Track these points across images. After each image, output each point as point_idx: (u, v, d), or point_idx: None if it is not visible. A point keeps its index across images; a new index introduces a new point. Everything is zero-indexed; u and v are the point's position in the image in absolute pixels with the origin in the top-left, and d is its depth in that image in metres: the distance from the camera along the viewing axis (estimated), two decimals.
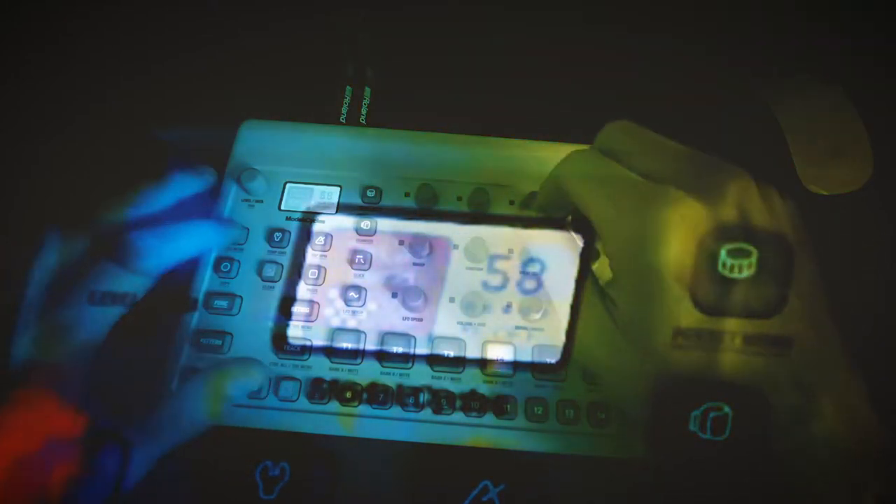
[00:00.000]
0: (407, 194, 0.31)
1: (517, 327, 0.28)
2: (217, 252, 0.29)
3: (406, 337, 0.27)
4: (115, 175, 0.31)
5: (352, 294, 0.28)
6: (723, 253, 0.19)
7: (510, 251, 0.29)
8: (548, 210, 0.29)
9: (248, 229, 0.30)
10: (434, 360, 0.27)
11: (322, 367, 0.27)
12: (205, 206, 0.29)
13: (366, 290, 0.28)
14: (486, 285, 0.29)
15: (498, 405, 0.26)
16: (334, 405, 0.26)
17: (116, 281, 0.24)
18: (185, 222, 0.26)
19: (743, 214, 0.20)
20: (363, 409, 0.26)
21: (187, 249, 0.27)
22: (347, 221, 0.30)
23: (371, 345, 0.27)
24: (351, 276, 0.29)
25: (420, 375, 0.27)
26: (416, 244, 0.29)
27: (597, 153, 0.24)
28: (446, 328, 0.28)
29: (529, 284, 0.29)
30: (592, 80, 0.36)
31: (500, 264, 0.29)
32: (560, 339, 0.28)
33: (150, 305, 0.27)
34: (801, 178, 0.33)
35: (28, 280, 0.24)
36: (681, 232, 0.20)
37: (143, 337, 0.28)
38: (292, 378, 0.26)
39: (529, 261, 0.29)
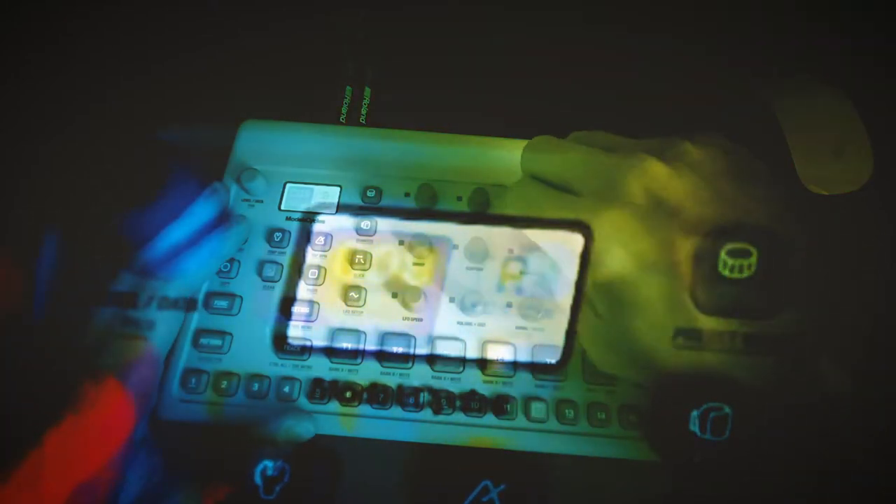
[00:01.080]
0: (407, 194, 0.31)
1: (517, 327, 0.28)
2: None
3: (406, 337, 0.27)
4: (114, 175, 0.31)
5: (352, 294, 0.28)
6: (722, 253, 0.19)
7: (510, 251, 0.29)
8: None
9: (249, 229, 0.30)
10: (434, 360, 0.27)
11: (322, 367, 0.27)
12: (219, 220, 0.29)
13: (366, 290, 0.28)
14: (486, 285, 0.29)
15: (498, 405, 0.26)
16: (334, 405, 0.26)
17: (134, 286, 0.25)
18: (202, 236, 0.27)
19: (657, 200, 0.20)
20: (363, 409, 0.26)
21: (207, 260, 0.27)
22: (347, 221, 0.30)
23: (371, 345, 0.27)
24: (351, 276, 0.29)
25: (420, 375, 0.27)
26: (416, 244, 0.29)
27: (557, 139, 0.25)
28: (446, 328, 0.28)
29: (529, 284, 0.29)
30: (592, 81, 0.36)
31: (499, 264, 0.29)
32: (560, 339, 0.28)
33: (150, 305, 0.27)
34: (801, 179, 0.33)
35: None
36: (619, 240, 0.20)
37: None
38: (292, 378, 0.26)
39: (529, 261, 0.29)
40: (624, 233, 0.20)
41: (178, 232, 0.27)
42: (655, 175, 0.21)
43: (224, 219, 0.29)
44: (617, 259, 0.20)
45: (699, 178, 0.21)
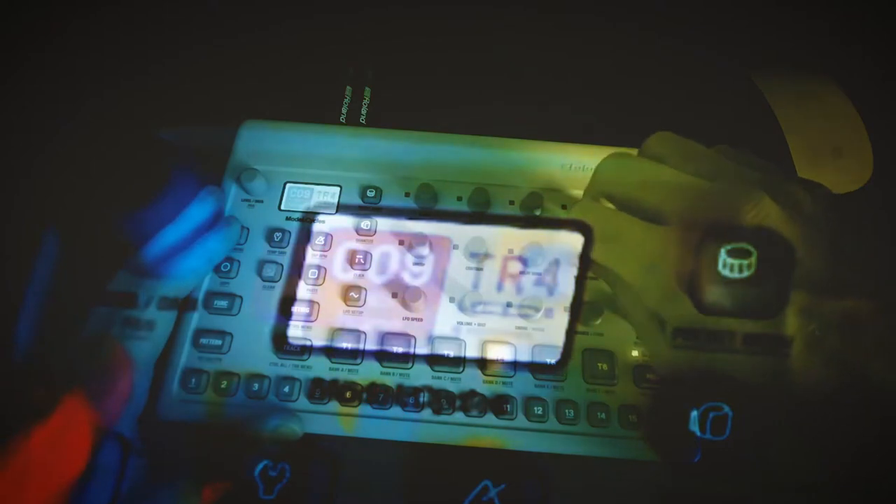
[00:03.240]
0: (407, 194, 0.31)
1: (517, 327, 0.28)
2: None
3: (406, 337, 0.27)
4: (115, 175, 0.31)
5: (352, 294, 0.28)
6: (722, 252, 0.19)
7: (510, 251, 0.29)
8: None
9: (248, 229, 0.30)
10: (434, 360, 0.27)
11: (322, 367, 0.27)
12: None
13: (366, 290, 0.28)
14: (486, 285, 0.29)
15: (498, 405, 0.26)
16: (334, 405, 0.26)
17: (132, 286, 0.25)
18: (197, 237, 0.27)
19: (819, 227, 0.19)
20: (363, 409, 0.26)
21: (202, 261, 0.27)
22: (347, 221, 0.30)
23: (371, 345, 0.27)
24: (351, 276, 0.29)
25: (420, 375, 0.27)
26: (416, 244, 0.29)
27: (641, 158, 0.24)
28: (446, 328, 0.28)
29: (529, 284, 0.29)
30: (592, 80, 0.37)
31: (500, 264, 0.29)
32: (560, 339, 0.28)
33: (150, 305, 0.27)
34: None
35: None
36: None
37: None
38: (292, 378, 0.26)
39: (529, 261, 0.29)
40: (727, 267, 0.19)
41: (174, 233, 0.27)
42: (771, 218, 0.19)
43: (217, 220, 0.29)
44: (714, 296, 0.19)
45: (812, 228, 0.19)
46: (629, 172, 0.23)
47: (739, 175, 0.21)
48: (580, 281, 0.29)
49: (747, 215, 0.19)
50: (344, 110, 0.36)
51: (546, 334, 0.28)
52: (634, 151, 0.25)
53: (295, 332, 0.27)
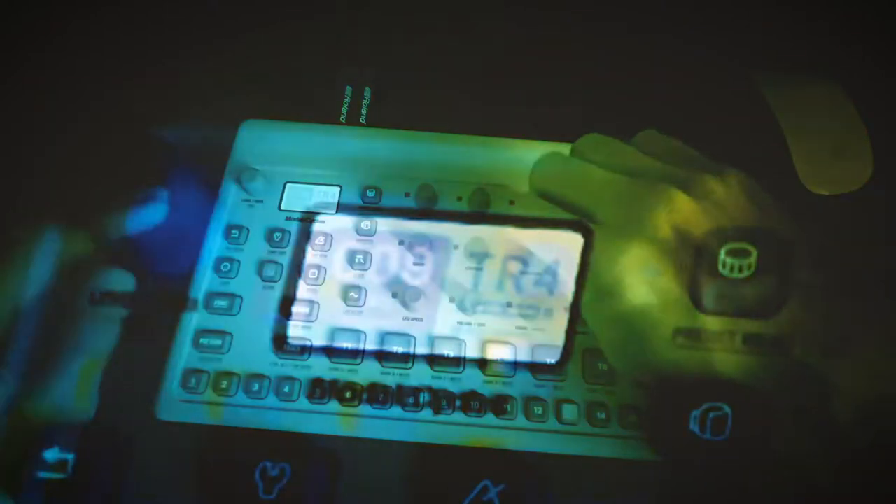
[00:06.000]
0: (407, 194, 0.31)
1: (517, 327, 0.28)
2: (217, 252, 0.29)
3: (406, 337, 0.27)
4: (114, 175, 0.31)
5: (352, 294, 0.28)
6: (722, 253, 0.19)
7: (510, 251, 0.29)
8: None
9: (249, 229, 0.30)
10: (434, 360, 0.27)
11: (322, 367, 0.27)
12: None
13: (366, 290, 0.28)
14: (486, 285, 0.29)
15: (498, 405, 0.26)
16: (334, 405, 0.26)
17: (117, 282, 0.25)
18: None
19: (683, 236, 0.20)
20: (363, 408, 0.26)
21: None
22: (347, 221, 0.30)
23: (371, 345, 0.27)
24: (351, 276, 0.29)
25: (420, 375, 0.27)
26: (416, 244, 0.29)
27: (572, 158, 0.24)
28: (446, 328, 0.28)
29: (529, 284, 0.29)
30: (592, 80, 0.37)
31: (499, 264, 0.29)
32: (560, 339, 0.28)
33: (150, 305, 0.27)
34: (801, 178, 0.33)
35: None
36: (673, 227, 0.20)
37: (144, 337, 0.28)
38: (292, 378, 0.26)
39: (530, 261, 0.29)
40: (650, 269, 0.20)
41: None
42: (683, 211, 0.20)
43: None
44: (640, 293, 0.20)
45: (725, 217, 0.20)
46: (560, 173, 0.24)
47: (654, 170, 0.22)
48: (580, 280, 0.29)
49: (663, 212, 0.20)
50: (344, 110, 0.36)
51: (546, 334, 0.28)
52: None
53: (295, 331, 0.28)
